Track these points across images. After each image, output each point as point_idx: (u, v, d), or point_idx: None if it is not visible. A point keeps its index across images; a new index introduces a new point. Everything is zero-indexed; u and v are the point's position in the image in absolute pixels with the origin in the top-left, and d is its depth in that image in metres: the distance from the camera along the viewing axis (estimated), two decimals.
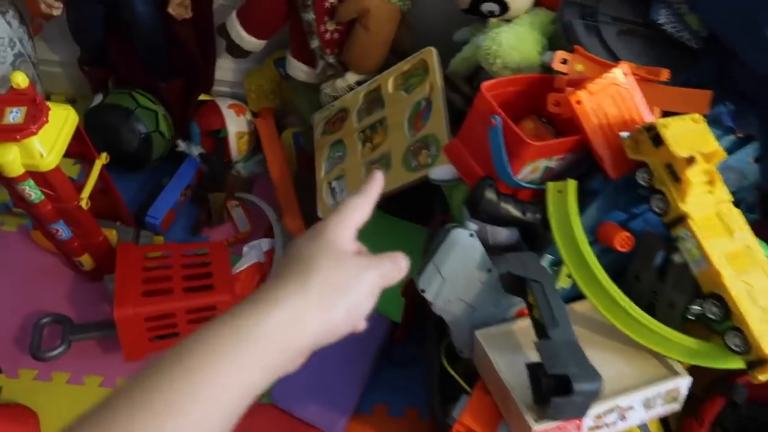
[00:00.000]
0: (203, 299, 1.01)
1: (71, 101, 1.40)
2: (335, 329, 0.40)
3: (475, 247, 0.74)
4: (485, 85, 0.76)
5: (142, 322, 0.98)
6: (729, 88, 0.77)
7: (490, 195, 0.74)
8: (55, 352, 1.02)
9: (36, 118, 0.85)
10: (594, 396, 0.60)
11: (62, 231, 1.00)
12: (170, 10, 1.08)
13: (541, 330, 0.65)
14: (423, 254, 0.78)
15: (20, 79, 0.87)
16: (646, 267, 0.73)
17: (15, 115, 0.85)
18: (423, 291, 0.74)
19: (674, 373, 0.68)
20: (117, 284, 1.00)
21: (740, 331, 0.63)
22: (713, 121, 0.74)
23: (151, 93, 1.25)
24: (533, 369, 0.63)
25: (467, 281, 0.74)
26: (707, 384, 0.76)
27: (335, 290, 0.39)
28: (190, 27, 1.13)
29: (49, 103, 0.89)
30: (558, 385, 0.59)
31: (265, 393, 1.06)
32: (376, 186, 0.48)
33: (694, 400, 0.73)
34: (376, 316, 1.07)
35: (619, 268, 0.76)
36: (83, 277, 1.16)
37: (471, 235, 0.74)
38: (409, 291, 1.07)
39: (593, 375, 0.59)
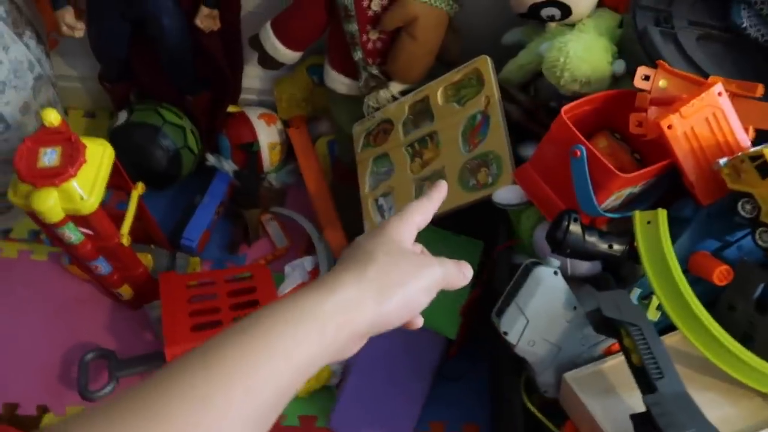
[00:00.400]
0: None
1: (90, 115, 1.34)
2: (389, 319, 0.41)
3: (560, 285, 0.70)
4: (565, 109, 0.70)
5: None
6: None
7: (576, 229, 0.69)
8: (104, 391, 0.98)
9: (73, 159, 0.79)
10: None
11: (102, 267, 0.96)
12: (198, 22, 1.01)
13: (644, 380, 0.61)
14: (504, 294, 0.73)
15: (52, 117, 0.81)
16: (744, 298, 0.69)
17: (50, 157, 0.80)
18: (506, 333, 0.70)
19: None
20: (164, 319, 0.95)
21: None
22: None
23: (177, 106, 1.19)
24: (641, 421, 0.60)
25: (551, 321, 0.70)
26: None
27: (392, 282, 0.41)
28: (217, 38, 1.06)
29: (84, 140, 0.83)
30: None
31: (321, 418, 1.05)
32: (440, 194, 0.50)
33: None
34: (431, 335, 1.05)
35: (710, 299, 0.72)
36: (122, 305, 1.12)
37: (555, 273, 0.69)
38: (467, 310, 1.04)
39: None
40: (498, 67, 0.94)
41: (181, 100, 1.18)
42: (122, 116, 1.16)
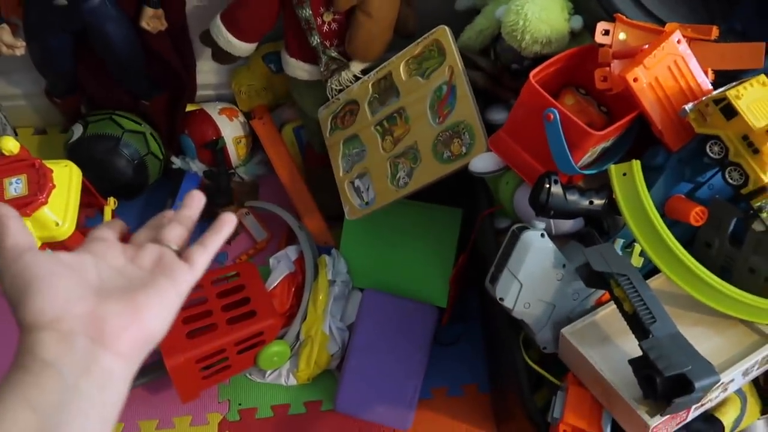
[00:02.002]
0: (250, 328, 0.97)
1: (41, 132, 1.28)
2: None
3: (548, 246, 0.72)
4: (534, 73, 0.71)
5: (193, 365, 0.94)
6: None
7: (557, 190, 0.71)
8: None
9: (41, 185, 0.77)
10: (712, 387, 0.60)
11: None
12: (144, 24, 0.97)
13: (638, 326, 0.64)
14: (495, 261, 0.75)
15: (11, 145, 0.78)
16: (719, 235, 0.72)
17: (16, 187, 0.77)
18: (502, 299, 0.73)
19: (767, 338, 0.68)
20: None
21: None
22: None
23: (133, 113, 1.15)
24: (639, 366, 0.63)
25: (544, 281, 0.73)
26: None
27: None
28: (165, 38, 1.03)
29: (48, 164, 0.80)
30: (674, 383, 0.59)
31: (326, 401, 1.07)
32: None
33: None
34: (423, 306, 1.08)
35: (687, 238, 0.76)
36: None
37: (542, 235, 0.71)
38: (456, 279, 1.06)
39: (708, 368, 0.59)
40: (455, 34, 0.94)
41: (136, 105, 1.14)
42: (77, 130, 1.12)
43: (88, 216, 1.19)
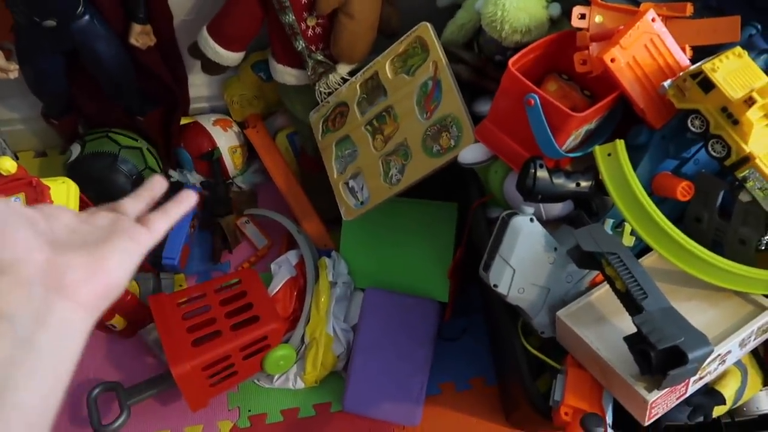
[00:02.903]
0: (253, 333, 0.98)
1: (41, 154, 1.31)
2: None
3: (538, 230, 0.72)
4: (512, 61, 0.72)
5: (200, 372, 0.95)
6: (750, 4, 0.75)
7: (543, 174, 0.71)
8: (118, 423, 0.99)
9: (39, 203, 0.79)
10: (706, 358, 0.60)
11: None
12: (133, 41, 0.99)
13: (630, 303, 0.64)
14: (487, 249, 0.76)
15: (8, 165, 0.80)
16: (707, 208, 0.73)
17: None
18: (495, 286, 0.73)
19: (762, 308, 0.69)
20: (164, 340, 0.96)
21: None
22: (745, 45, 0.72)
23: (129, 129, 1.17)
24: (633, 342, 0.63)
25: (536, 265, 0.73)
26: None
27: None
28: (155, 53, 1.04)
29: (45, 181, 0.82)
30: (669, 357, 0.60)
31: (335, 403, 1.08)
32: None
33: None
34: (425, 301, 1.08)
35: (677, 215, 0.76)
36: (117, 336, 1.12)
37: (531, 220, 0.72)
38: (454, 272, 1.07)
39: (701, 339, 0.60)
40: (438, 30, 0.95)
41: (132, 121, 1.16)
42: (75, 149, 1.14)
43: None
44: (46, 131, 1.22)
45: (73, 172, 1.12)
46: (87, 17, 0.93)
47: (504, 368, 1.02)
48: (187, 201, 0.44)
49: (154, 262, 1.16)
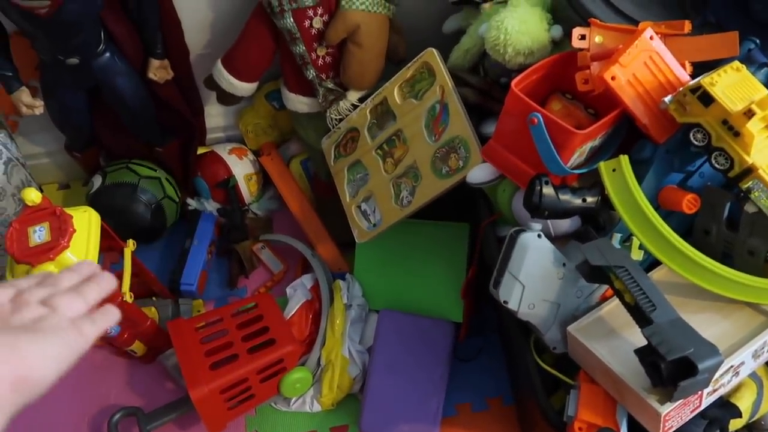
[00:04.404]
0: (270, 356, 0.99)
1: (65, 186, 1.36)
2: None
3: (546, 246, 0.73)
4: (515, 82, 0.74)
5: (218, 396, 0.96)
6: (751, 17, 0.76)
7: (549, 191, 0.73)
8: None
9: (63, 231, 0.82)
10: (717, 368, 0.60)
11: (111, 329, 0.98)
12: (151, 75, 1.03)
13: (639, 315, 0.65)
14: (497, 266, 0.77)
15: (33, 196, 0.83)
16: (715, 221, 0.73)
17: (40, 234, 0.82)
18: (506, 302, 0.74)
19: None
20: (182, 364, 0.98)
21: None
22: (745, 60, 0.73)
23: (148, 160, 1.21)
24: (644, 354, 0.64)
25: (545, 281, 0.74)
26: None
27: None
28: (173, 86, 1.09)
29: (68, 210, 0.85)
30: (679, 368, 0.60)
31: (352, 426, 1.08)
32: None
33: None
34: (439, 322, 1.09)
35: (685, 228, 0.76)
36: (137, 362, 1.14)
37: (539, 236, 0.73)
38: (467, 291, 1.08)
39: (711, 349, 0.60)
40: (445, 55, 0.98)
41: (151, 152, 1.20)
42: (97, 181, 1.18)
43: (113, 262, 1.25)
44: (70, 164, 1.27)
45: (95, 202, 1.16)
46: (108, 54, 0.97)
47: (519, 387, 1.01)
48: (112, 314, 0.42)
49: (172, 288, 1.18)
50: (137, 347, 1.08)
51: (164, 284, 1.18)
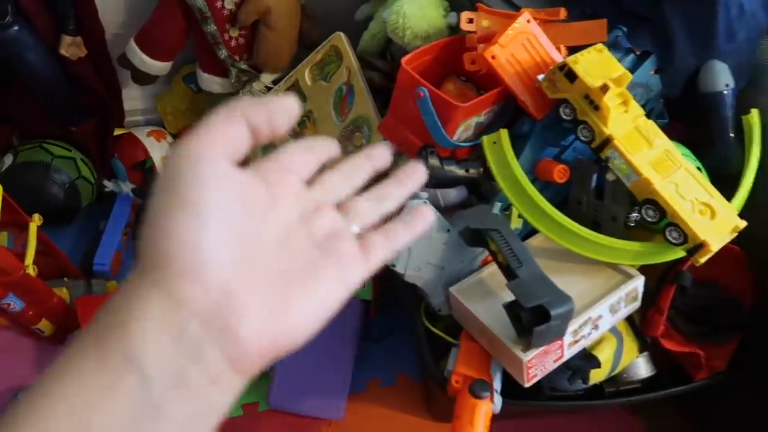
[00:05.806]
0: None
1: None
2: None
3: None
4: (405, 60, 0.79)
5: None
6: (621, 9, 0.84)
7: (433, 161, 0.78)
8: None
9: None
10: (569, 316, 0.66)
11: (14, 303, 0.97)
12: (63, 51, 1.03)
13: (508, 272, 0.70)
14: None
15: None
16: (585, 190, 0.80)
17: None
18: (393, 266, 0.78)
19: (629, 276, 0.75)
20: None
21: (676, 225, 0.70)
22: (613, 45, 0.81)
23: (63, 140, 1.20)
24: (510, 308, 0.69)
25: (431, 246, 0.79)
26: (659, 278, 0.84)
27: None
28: (87, 64, 1.09)
29: None
30: (536, 316, 0.65)
31: (263, 402, 1.10)
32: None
33: (650, 294, 0.81)
34: (350, 300, 1.12)
35: (561, 199, 0.83)
36: (46, 343, 1.13)
37: (424, 203, 0.78)
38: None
39: (564, 298, 0.65)
40: (357, 41, 1.02)
41: (66, 133, 1.20)
42: (7, 160, 1.16)
43: (24, 243, 1.23)
44: None
45: (5, 181, 1.14)
46: (16, 27, 0.97)
47: (417, 355, 1.06)
48: (425, 219, 0.32)
49: (85, 269, 1.18)
50: (44, 326, 1.07)
51: (77, 266, 1.17)
